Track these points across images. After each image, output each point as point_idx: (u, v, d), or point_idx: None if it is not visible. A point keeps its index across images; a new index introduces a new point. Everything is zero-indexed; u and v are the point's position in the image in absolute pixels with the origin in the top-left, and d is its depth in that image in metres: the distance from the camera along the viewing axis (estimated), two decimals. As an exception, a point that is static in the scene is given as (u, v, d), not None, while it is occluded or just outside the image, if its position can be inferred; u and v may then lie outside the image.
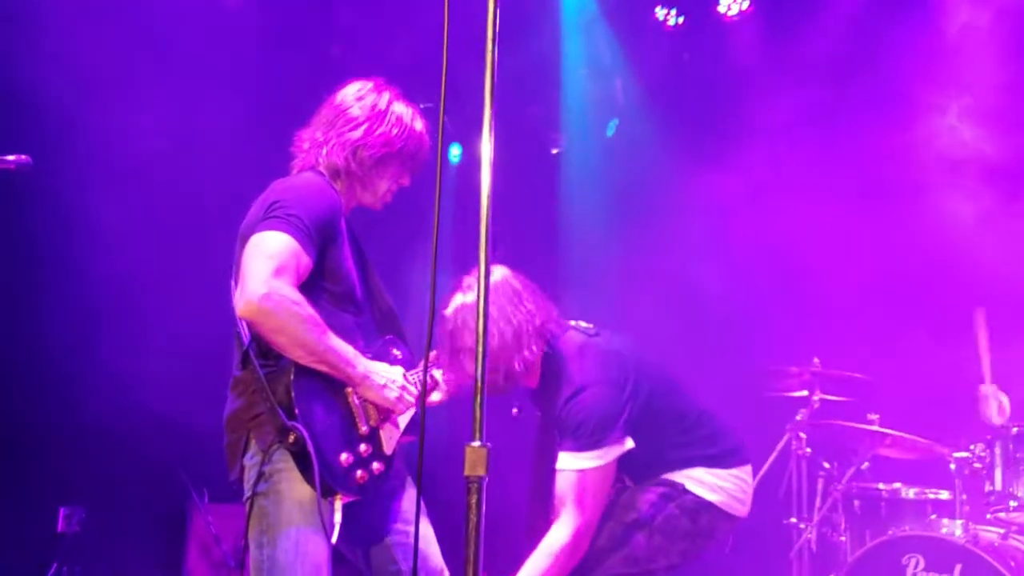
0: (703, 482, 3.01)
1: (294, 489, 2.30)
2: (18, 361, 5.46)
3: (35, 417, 5.52)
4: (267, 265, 2.28)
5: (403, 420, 2.55)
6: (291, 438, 2.27)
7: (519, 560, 6.01)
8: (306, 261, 2.36)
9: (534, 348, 2.90)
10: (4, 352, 5.42)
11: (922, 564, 3.93)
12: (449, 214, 6.80)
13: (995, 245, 4.76)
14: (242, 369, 2.41)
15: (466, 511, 1.59)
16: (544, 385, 2.99)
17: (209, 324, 5.67)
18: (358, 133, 2.58)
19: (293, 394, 2.27)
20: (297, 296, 2.30)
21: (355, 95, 2.67)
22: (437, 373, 2.74)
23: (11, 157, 2.91)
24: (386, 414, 2.47)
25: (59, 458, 5.59)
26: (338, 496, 2.32)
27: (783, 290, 5.42)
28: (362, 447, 2.39)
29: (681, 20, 5.98)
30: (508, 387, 3.01)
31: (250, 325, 2.30)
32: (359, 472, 2.35)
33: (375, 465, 2.41)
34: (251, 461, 2.38)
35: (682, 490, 3.00)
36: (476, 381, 1.67)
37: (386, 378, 2.45)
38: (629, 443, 2.84)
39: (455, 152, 6.97)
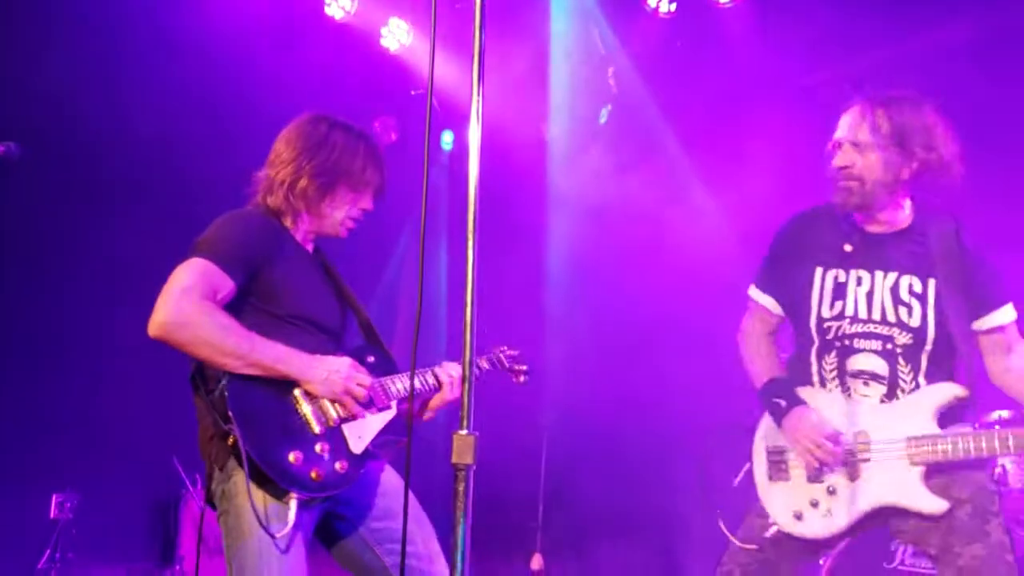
0: None
1: (253, 500, 2.28)
2: (14, 347, 5.46)
3: (29, 404, 5.52)
4: (173, 288, 2.30)
5: (379, 418, 2.52)
6: (229, 441, 2.28)
7: (504, 547, 6.02)
8: (222, 279, 2.35)
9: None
10: (7, 335, 5.42)
11: (910, 550, 3.95)
12: (444, 201, 6.81)
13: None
14: (196, 376, 2.41)
15: (453, 498, 1.59)
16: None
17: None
18: (289, 169, 2.58)
19: (227, 398, 2.28)
20: (209, 305, 2.30)
21: (289, 133, 2.66)
22: (451, 370, 2.65)
23: (-1, 144, 2.90)
24: (351, 412, 2.44)
25: (52, 445, 5.59)
26: (291, 495, 2.30)
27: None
28: (318, 447, 2.36)
29: (673, 7, 5.97)
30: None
31: (169, 344, 2.30)
32: (314, 471, 2.32)
33: (338, 464, 2.38)
34: (215, 485, 2.41)
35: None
36: (463, 369, 1.67)
37: (328, 371, 2.41)
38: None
39: (447, 139, 6.96)
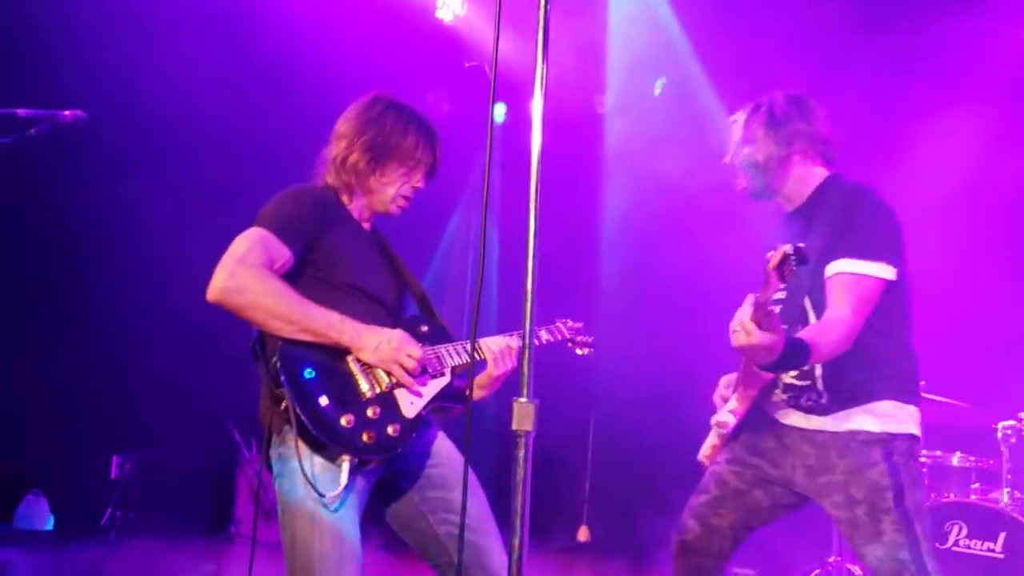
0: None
1: (304, 464, 2.33)
2: (74, 313, 5.61)
3: (91, 368, 5.68)
4: (232, 255, 2.36)
5: (433, 384, 2.56)
6: (282, 405, 2.32)
7: (551, 519, 6.06)
8: (280, 248, 2.41)
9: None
10: (62, 303, 5.56)
11: (965, 531, 3.91)
12: (496, 174, 6.81)
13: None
14: (256, 344, 2.47)
15: (513, 464, 1.62)
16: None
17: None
18: (342, 145, 2.65)
19: (279, 364, 2.33)
20: (265, 272, 2.36)
21: (348, 112, 2.72)
22: (494, 345, 2.66)
23: (67, 112, 2.97)
24: (402, 382, 2.47)
25: (114, 408, 5.75)
26: (344, 457, 2.34)
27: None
28: (369, 410, 2.40)
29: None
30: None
31: (225, 309, 2.35)
32: (366, 434, 2.35)
33: (390, 428, 2.41)
34: (273, 449, 2.45)
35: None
36: (523, 338, 1.69)
37: (378, 339, 2.44)
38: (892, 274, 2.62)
39: (499, 112, 6.95)
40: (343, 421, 2.34)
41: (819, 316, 2.63)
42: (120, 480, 5.76)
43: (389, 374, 2.46)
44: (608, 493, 6.62)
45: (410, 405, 2.47)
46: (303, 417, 2.29)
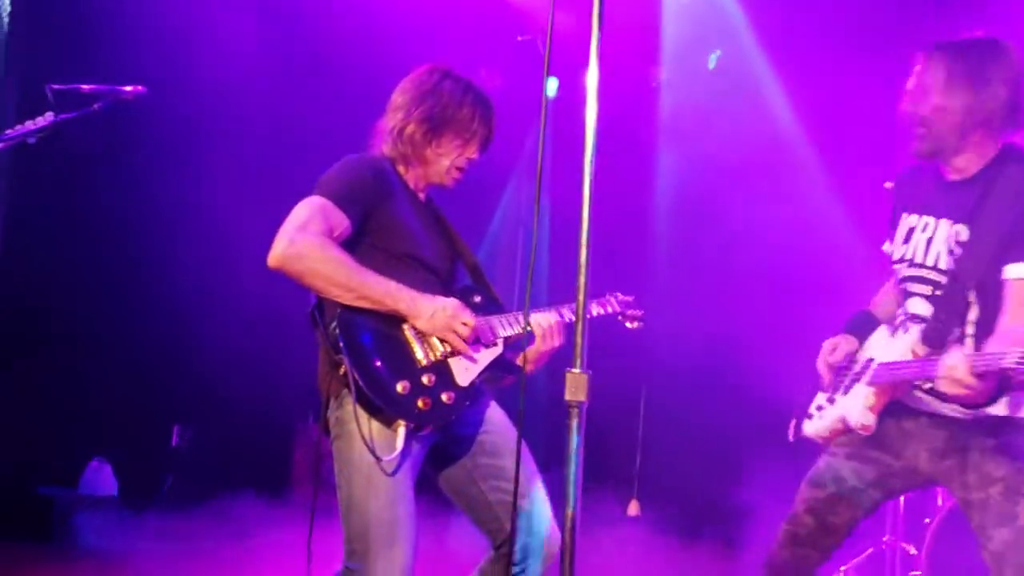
0: None
1: (362, 427, 2.37)
2: (135, 285, 5.73)
3: (152, 338, 5.80)
4: (292, 223, 2.41)
5: (486, 354, 2.58)
6: (340, 370, 2.37)
7: (602, 492, 6.06)
8: (338, 216, 2.46)
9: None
10: (124, 277, 5.69)
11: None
12: (548, 148, 6.78)
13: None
14: (315, 310, 2.52)
15: (566, 434, 1.63)
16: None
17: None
18: (399, 116, 2.66)
19: (337, 330, 2.38)
20: (324, 240, 2.40)
21: (403, 83, 2.74)
22: (543, 320, 2.67)
23: (128, 88, 3.02)
24: (456, 350, 2.50)
25: (175, 379, 5.88)
26: (400, 423, 2.38)
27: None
28: (425, 377, 2.44)
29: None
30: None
31: (286, 276, 2.40)
32: (421, 400, 2.40)
33: (444, 395, 2.45)
34: (330, 413, 2.50)
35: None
36: (577, 309, 1.69)
37: (433, 308, 2.48)
38: None
39: (552, 86, 6.92)
40: (399, 387, 2.38)
41: (983, 311, 2.52)
42: (180, 448, 5.91)
43: (443, 342, 2.49)
44: (659, 468, 6.61)
45: (464, 373, 2.51)
46: (360, 382, 2.33)
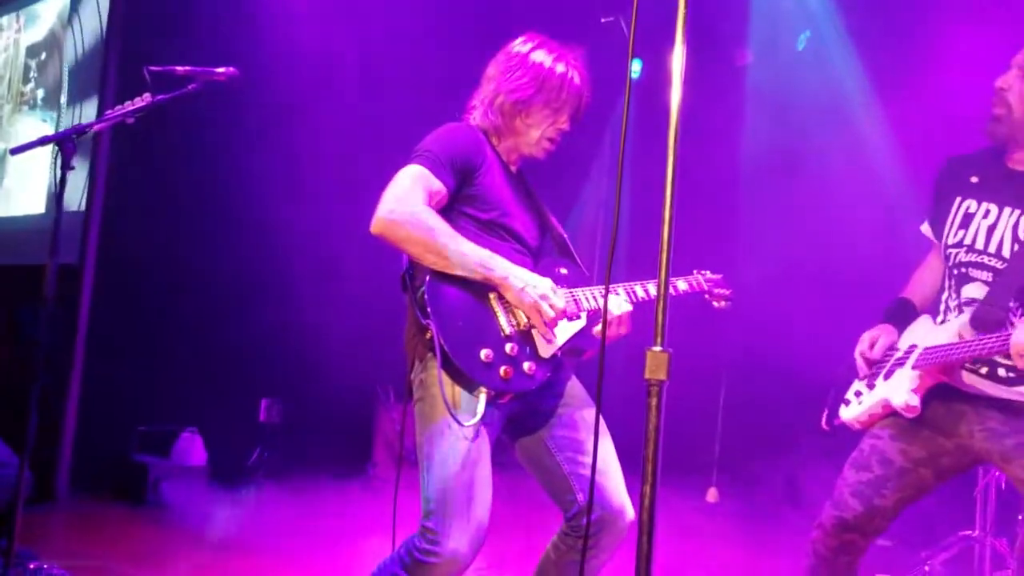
0: None
1: (445, 391, 2.40)
2: (228, 263, 5.88)
3: (242, 315, 5.95)
4: (393, 190, 2.44)
5: (566, 328, 2.58)
6: (427, 335, 2.40)
7: (681, 478, 6.00)
8: (438, 185, 2.48)
9: None
10: (218, 254, 5.84)
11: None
12: (632, 130, 6.73)
13: None
14: (405, 274, 2.55)
15: (646, 412, 1.62)
16: None
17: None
18: (491, 87, 2.67)
19: (425, 295, 2.41)
20: (423, 208, 2.43)
21: (500, 55, 2.74)
22: (615, 306, 2.65)
23: (220, 70, 3.10)
24: (539, 327, 2.51)
25: (263, 353, 6.03)
26: (482, 389, 2.41)
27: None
28: (508, 346, 2.46)
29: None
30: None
31: (385, 242, 2.43)
32: (503, 368, 2.42)
33: (526, 365, 2.47)
34: (414, 375, 2.54)
35: None
36: (659, 286, 1.68)
37: (525, 281, 2.49)
38: None
39: (635, 68, 6.85)
40: (482, 355, 2.41)
41: None
42: (267, 423, 6.05)
43: (527, 316, 2.51)
44: (738, 456, 6.53)
45: (546, 345, 2.52)
46: (446, 347, 2.37)
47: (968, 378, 2.62)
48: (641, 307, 2.65)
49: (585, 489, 2.54)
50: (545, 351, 2.52)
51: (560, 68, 2.67)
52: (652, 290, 2.67)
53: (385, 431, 6.40)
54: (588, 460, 2.55)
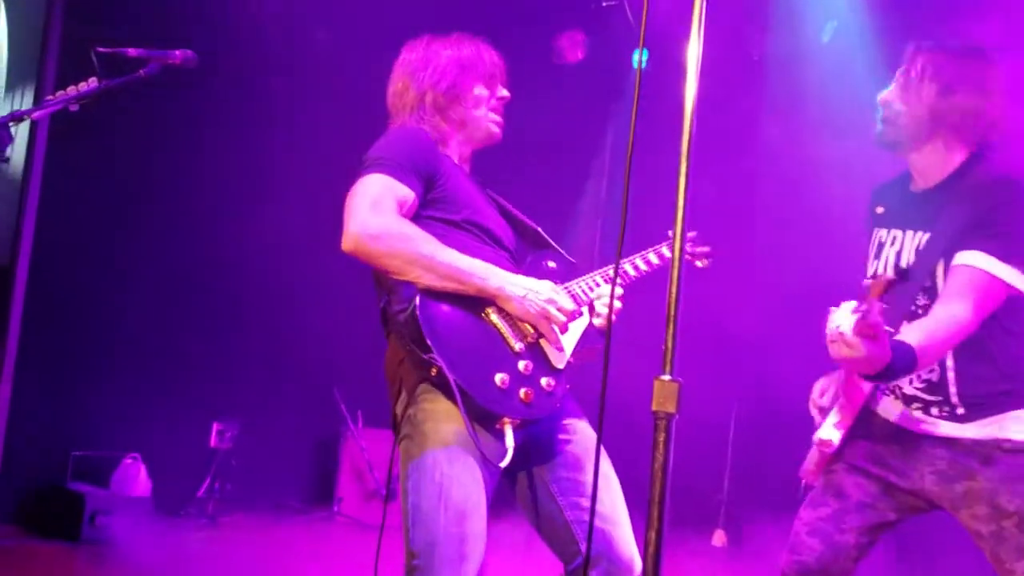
0: None
1: (439, 429, 2.39)
2: (175, 269, 5.86)
3: (192, 328, 5.93)
4: (362, 201, 2.42)
5: (574, 329, 2.59)
6: (433, 371, 2.36)
7: (684, 519, 6.01)
8: (405, 192, 2.48)
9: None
10: (164, 260, 5.82)
11: None
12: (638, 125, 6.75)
13: None
14: (385, 308, 2.55)
15: (652, 448, 1.63)
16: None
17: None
18: (412, 93, 2.71)
19: (420, 325, 2.37)
20: (399, 218, 2.43)
21: (396, 69, 2.80)
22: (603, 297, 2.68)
23: (177, 52, 3.10)
24: (548, 337, 2.52)
25: (215, 371, 6.00)
26: (505, 421, 2.39)
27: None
28: (521, 365, 2.45)
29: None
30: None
31: (361, 260, 2.42)
32: (523, 390, 2.41)
33: (544, 381, 2.48)
34: (400, 406, 2.51)
35: None
36: (669, 308, 1.69)
37: (526, 288, 2.49)
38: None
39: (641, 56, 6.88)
40: (498, 381, 2.39)
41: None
42: (219, 449, 6.02)
43: (534, 326, 2.51)
44: (749, 496, 6.54)
45: (558, 355, 2.53)
46: (461, 383, 2.33)
47: (901, 413, 2.72)
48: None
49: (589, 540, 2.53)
50: (559, 361, 2.53)
51: (465, 44, 2.75)
52: (642, 265, 2.76)
53: (352, 461, 6.38)
54: (597, 508, 2.52)
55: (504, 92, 2.78)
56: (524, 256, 2.77)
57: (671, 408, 1.64)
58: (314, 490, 6.59)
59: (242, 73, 5.92)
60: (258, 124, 6.05)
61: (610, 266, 2.70)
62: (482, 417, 2.38)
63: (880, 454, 2.76)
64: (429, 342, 2.35)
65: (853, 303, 2.20)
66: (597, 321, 2.66)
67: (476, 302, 2.47)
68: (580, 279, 2.69)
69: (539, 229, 2.83)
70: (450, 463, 2.37)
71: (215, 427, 6.09)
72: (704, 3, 1.77)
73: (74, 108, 3.01)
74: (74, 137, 5.09)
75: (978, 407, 2.62)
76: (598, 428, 1.92)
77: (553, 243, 2.80)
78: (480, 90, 2.73)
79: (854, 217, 5.57)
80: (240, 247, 5.89)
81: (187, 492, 5.90)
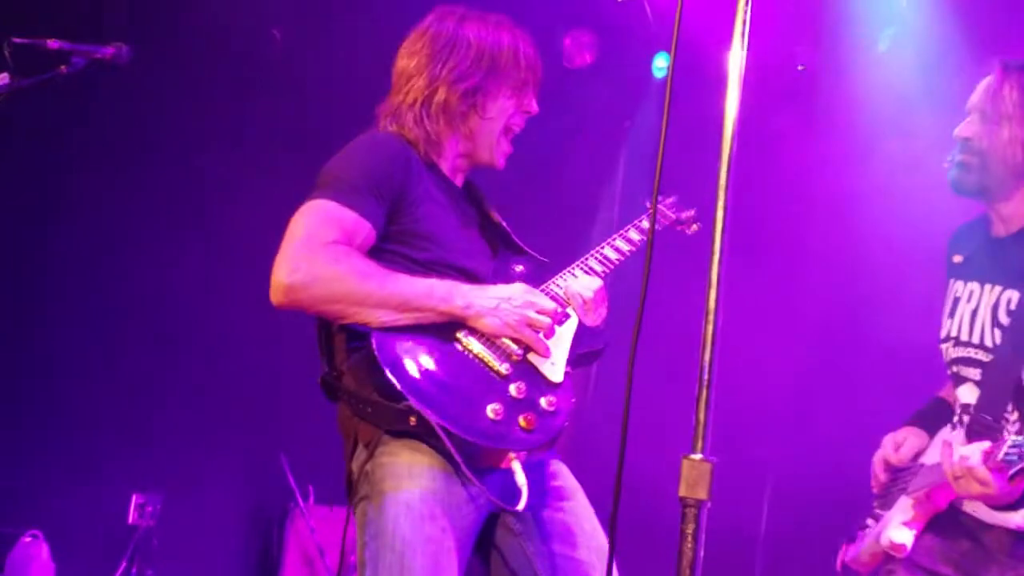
0: None
1: (400, 487, 2.39)
2: (97, 302, 5.83)
3: (110, 381, 5.89)
4: (292, 241, 2.42)
5: (564, 334, 2.59)
6: (411, 421, 2.36)
7: None
8: (355, 221, 2.47)
9: None
10: (87, 288, 5.79)
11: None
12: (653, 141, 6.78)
13: None
14: (328, 378, 2.55)
15: (680, 541, 1.61)
16: None
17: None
18: (420, 84, 2.66)
19: (385, 370, 2.36)
20: (335, 250, 2.40)
21: (409, 44, 2.75)
22: (578, 287, 2.69)
23: (108, 47, 3.11)
24: (534, 348, 2.53)
25: (135, 434, 5.95)
26: (511, 457, 2.41)
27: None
28: (512, 389, 2.46)
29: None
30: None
31: (298, 310, 2.43)
32: (522, 417, 2.42)
33: (544, 401, 2.48)
34: (357, 463, 2.51)
35: None
36: (701, 373, 1.68)
37: (497, 298, 2.50)
38: None
39: (660, 64, 6.93)
40: (490, 413, 2.40)
41: None
42: (139, 526, 5.97)
43: (516, 341, 2.49)
44: (784, 570, 6.52)
45: (552, 367, 2.53)
46: (447, 425, 2.33)
47: (977, 507, 2.71)
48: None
49: None
50: (554, 374, 2.53)
51: (505, 33, 2.71)
52: (623, 245, 2.78)
53: (300, 544, 6.32)
54: (573, 554, 2.54)
55: (532, 107, 2.77)
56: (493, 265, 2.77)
57: (702, 494, 1.63)
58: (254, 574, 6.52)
59: (182, 73, 5.93)
60: (197, 135, 6.04)
61: (588, 254, 2.75)
62: (481, 458, 2.39)
63: (947, 549, 2.77)
64: (400, 387, 2.35)
65: (981, 446, 2.30)
66: (588, 318, 2.65)
67: (443, 328, 2.48)
68: (556, 277, 2.70)
69: (508, 229, 2.84)
70: (413, 528, 2.37)
71: (135, 499, 6.04)
72: (749, 3, 1.78)
73: (-20, 108, 3.02)
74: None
75: None
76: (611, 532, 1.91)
77: (521, 243, 2.82)
78: (505, 101, 2.72)
79: (909, 261, 5.63)
80: (171, 282, 5.87)
81: (99, 577, 5.84)
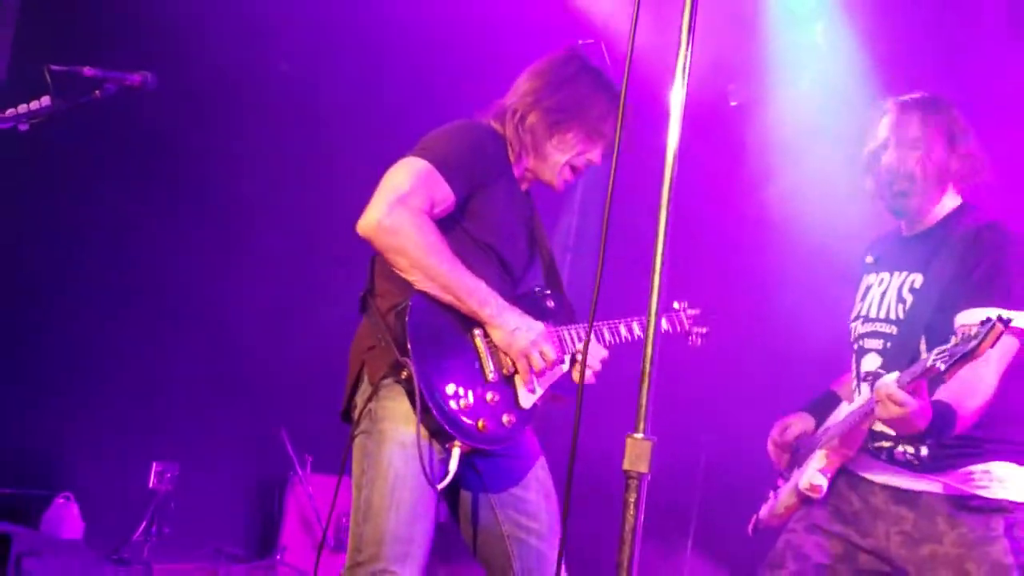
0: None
1: (398, 429, 2.45)
2: (120, 301, 5.80)
3: (130, 362, 5.85)
4: (394, 185, 2.49)
5: (553, 372, 2.63)
6: (403, 374, 2.44)
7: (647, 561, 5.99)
8: (445, 190, 2.54)
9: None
10: (112, 291, 5.76)
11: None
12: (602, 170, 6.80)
13: None
14: (368, 295, 2.59)
15: (622, 509, 1.62)
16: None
17: (332, 274, 5.86)
18: (526, 101, 2.76)
19: (408, 328, 2.45)
20: (423, 219, 2.48)
21: (538, 65, 2.85)
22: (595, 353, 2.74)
23: (136, 74, 3.09)
24: (523, 376, 2.55)
25: (156, 409, 5.92)
26: (455, 443, 2.45)
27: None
28: (489, 395, 2.52)
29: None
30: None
31: (371, 244, 2.49)
32: (481, 421, 2.48)
33: (505, 417, 2.53)
34: (361, 397, 2.57)
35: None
36: (644, 364, 1.69)
37: (518, 323, 2.55)
38: None
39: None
40: (461, 404, 2.47)
41: None
42: (158, 490, 5.93)
43: (514, 362, 2.57)
44: (718, 552, 6.52)
45: (527, 395, 2.59)
46: (424, 393, 2.39)
47: (866, 462, 2.78)
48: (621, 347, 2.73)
49: (523, 557, 2.59)
50: (526, 401, 2.59)
51: (605, 95, 2.79)
52: (637, 330, 2.80)
53: (299, 508, 6.29)
54: (535, 525, 2.58)
55: (595, 159, 2.81)
56: (532, 281, 2.84)
57: (643, 468, 1.65)
58: (257, 537, 6.49)
59: (204, 99, 5.90)
60: (216, 149, 6.02)
61: (605, 323, 2.77)
62: (435, 433, 2.45)
63: (841, 508, 2.82)
64: (410, 347, 2.42)
65: (896, 373, 2.33)
66: (575, 374, 2.69)
67: (467, 320, 2.54)
68: (573, 327, 2.73)
69: (553, 261, 2.92)
70: (405, 464, 2.43)
71: (155, 467, 6.00)
72: (690, 47, 1.79)
73: (24, 127, 2.99)
74: (20, 158, 5.04)
75: (943, 451, 2.64)
76: (566, 489, 1.93)
77: (562, 283, 2.88)
78: (577, 141, 2.78)
79: (822, 260, 5.65)
80: (186, 275, 5.85)
81: (122, 535, 5.79)
